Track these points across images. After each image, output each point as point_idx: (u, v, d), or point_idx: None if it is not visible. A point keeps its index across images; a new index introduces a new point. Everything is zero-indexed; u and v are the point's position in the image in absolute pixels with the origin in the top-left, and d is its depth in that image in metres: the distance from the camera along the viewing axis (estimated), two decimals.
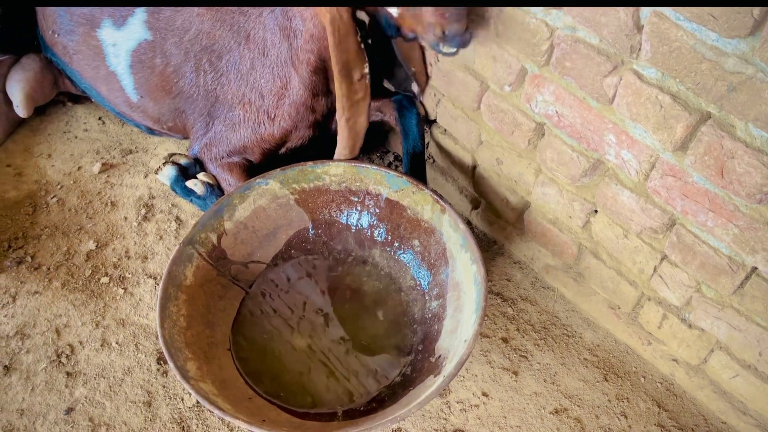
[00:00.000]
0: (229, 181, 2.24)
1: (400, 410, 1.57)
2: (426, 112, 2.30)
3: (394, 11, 1.71)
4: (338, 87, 1.85)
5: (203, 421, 1.86)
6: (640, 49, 1.46)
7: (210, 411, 1.80)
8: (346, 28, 1.76)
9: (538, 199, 2.03)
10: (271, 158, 2.26)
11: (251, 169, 2.27)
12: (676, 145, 1.51)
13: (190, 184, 2.29)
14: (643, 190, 1.67)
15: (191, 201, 2.33)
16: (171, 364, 1.62)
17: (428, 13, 1.62)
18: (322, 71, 2.02)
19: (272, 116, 2.12)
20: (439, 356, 1.78)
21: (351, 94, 1.87)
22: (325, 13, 1.76)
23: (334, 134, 2.07)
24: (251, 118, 2.15)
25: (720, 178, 1.46)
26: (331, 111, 2.18)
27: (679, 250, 1.68)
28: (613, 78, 1.56)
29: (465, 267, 1.86)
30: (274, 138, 2.19)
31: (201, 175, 2.29)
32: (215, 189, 2.28)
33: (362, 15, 1.86)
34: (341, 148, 2.04)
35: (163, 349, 1.65)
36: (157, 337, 2.02)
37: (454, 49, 1.69)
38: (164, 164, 2.34)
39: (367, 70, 1.85)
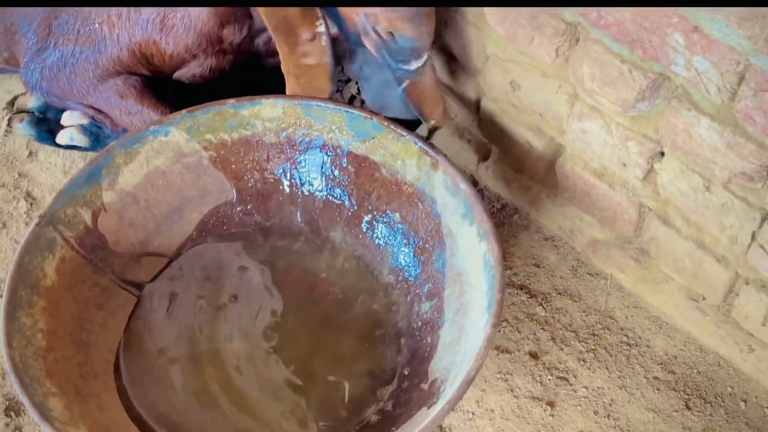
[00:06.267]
0: (124, 108, 1.85)
1: None
2: None
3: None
4: (278, 47, 1.65)
5: None
6: None
7: None
8: None
9: (575, 140, 1.65)
10: (168, 84, 1.89)
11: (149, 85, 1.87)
12: None
13: (62, 139, 1.88)
14: (730, 116, 1.35)
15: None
16: (24, 399, 1.29)
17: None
18: None
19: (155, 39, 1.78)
20: (435, 380, 1.46)
21: (296, 59, 1.65)
22: None
23: (271, 67, 1.77)
24: (122, 39, 1.79)
25: None
26: (254, 35, 1.86)
27: None
28: None
29: (470, 247, 1.55)
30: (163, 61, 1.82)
31: (67, 118, 1.88)
32: (105, 126, 1.91)
33: None
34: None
35: (12, 379, 1.32)
36: (4, 376, 1.57)
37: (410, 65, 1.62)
38: (10, 120, 1.94)
39: (322, 29, 1.64)
